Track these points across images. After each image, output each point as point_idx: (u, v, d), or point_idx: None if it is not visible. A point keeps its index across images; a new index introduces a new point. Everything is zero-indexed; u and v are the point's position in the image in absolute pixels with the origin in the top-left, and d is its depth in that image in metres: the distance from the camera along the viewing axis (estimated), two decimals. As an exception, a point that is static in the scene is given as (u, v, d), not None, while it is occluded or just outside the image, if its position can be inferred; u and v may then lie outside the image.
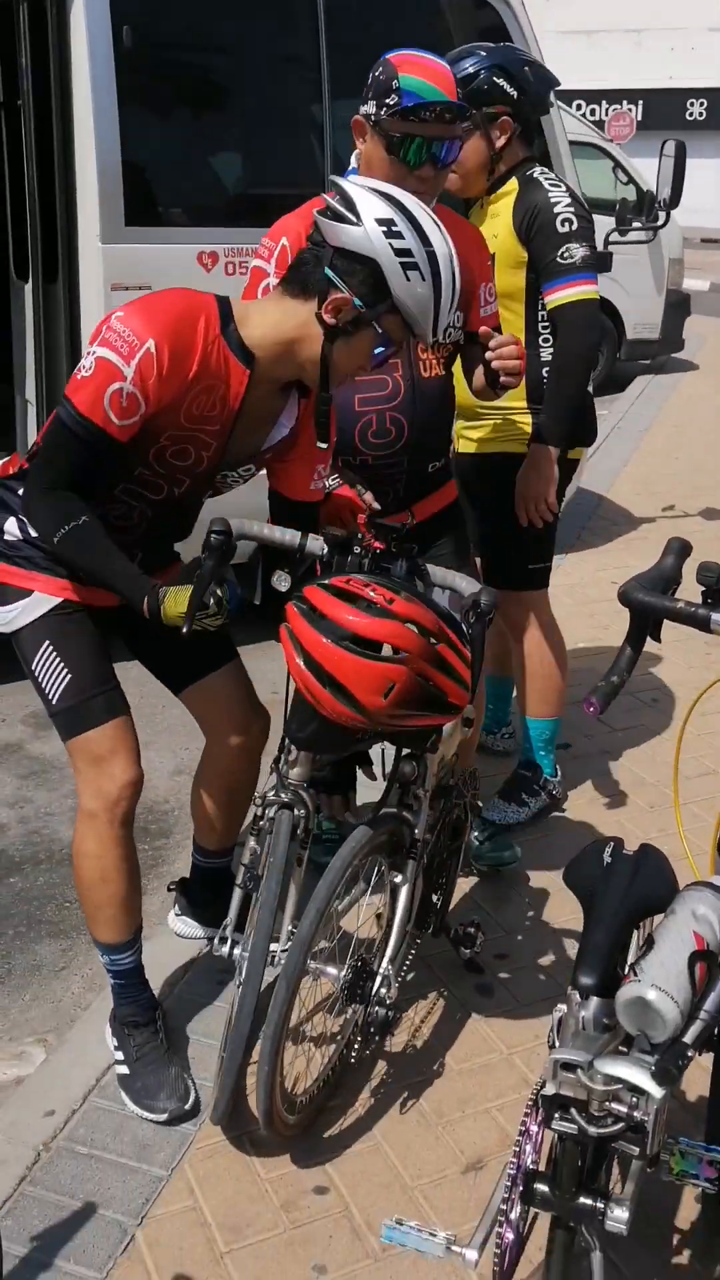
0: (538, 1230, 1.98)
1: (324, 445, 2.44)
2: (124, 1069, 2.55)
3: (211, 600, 2.22)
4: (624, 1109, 1.64)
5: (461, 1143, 2.49)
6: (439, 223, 2.27)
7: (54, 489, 2.28)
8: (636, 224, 6.42)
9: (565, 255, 3.16)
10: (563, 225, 3.18)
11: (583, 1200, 1.73)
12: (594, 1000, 1.71)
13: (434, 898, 2.84)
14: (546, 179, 3.23)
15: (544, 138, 5.03)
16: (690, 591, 1.92)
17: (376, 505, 2.71)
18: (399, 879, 2.56)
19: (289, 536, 2.40)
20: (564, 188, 3.23)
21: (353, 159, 2.77)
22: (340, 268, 2.24)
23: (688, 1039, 1.61)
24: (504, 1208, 1.81)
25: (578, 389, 3.28)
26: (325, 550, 2.38)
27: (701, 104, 26.00)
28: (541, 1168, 1.83)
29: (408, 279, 2.23)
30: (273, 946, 2.41)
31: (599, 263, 3.33)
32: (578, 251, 3.15)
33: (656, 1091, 1.60)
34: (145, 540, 2.53)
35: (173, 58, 4.40)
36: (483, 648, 2.30)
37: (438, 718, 2.26)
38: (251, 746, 2.76)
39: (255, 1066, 2.31)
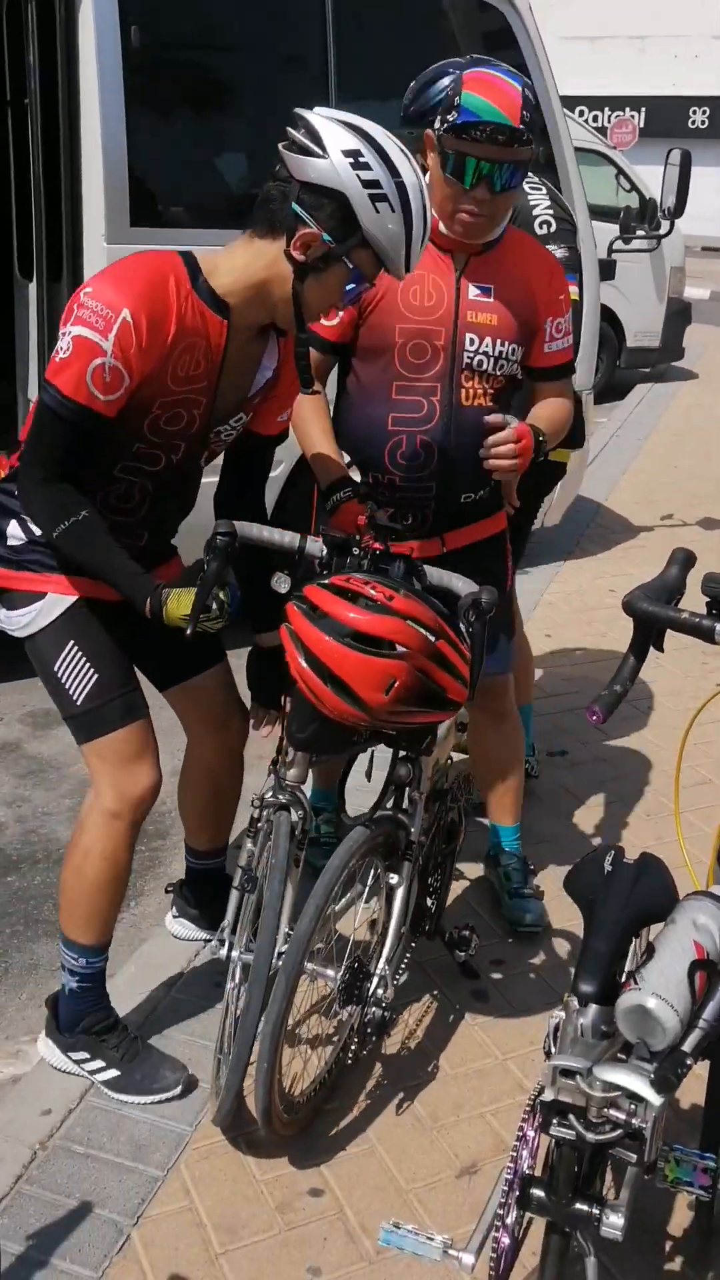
0: (532, 1235, 1.99)
1: (307, 390, 2.39)
2: (111, 1073, 2.54)
3: (214, 603, 2.22)
4: (622, 1116, 1.66)
5: (456, 1147, 2.50)
6: (408, 153, 2.22)
7: (50, 481, 2.25)
8: (640, 232, 6.43)
9: None
10: (541, 228, 3.20)
11: (578, 1206, 1.75)
12: (593, 1007, 1.72)
13: (428, 901, 2.84)
14: (526, 182, 3.23)
15: (549, 143, 5.04)
16: (693, 601, 1.93)
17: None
18: (394, 881, 2.57)
19: (288, 539, 2.40)
20: (544, 190, 3.26)
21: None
22: (307, 202, 2.18)
23: (687, 1047, 1.62)
24: (500, 1212, 1.82)
25: None
26: (324, 552, 2.39)
27: (704, 112, 26.03)
28: (538, 1173, 1.84)
29: (377, 211, 2.18)
30: (241, 953, 2.45)
31: (577, 264, 3.31)
32: (556, 253, 3.12)
33: (655, 1099, 1.61)
34: (150, 521, 2.49)
35: (180, 58, 4.41)
36: (483, 646, 2.30)
37: (437, 714, 2.27)
38: (234, 745, 2.77)
39: (253, 1067, 2.31)
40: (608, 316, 9.33)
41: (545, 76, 5.04)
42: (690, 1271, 2.25)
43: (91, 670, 2.41)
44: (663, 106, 25.94)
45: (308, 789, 2.58)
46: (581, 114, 24.14)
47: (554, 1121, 1.70)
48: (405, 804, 2.57)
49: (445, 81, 3.10)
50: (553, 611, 3.61)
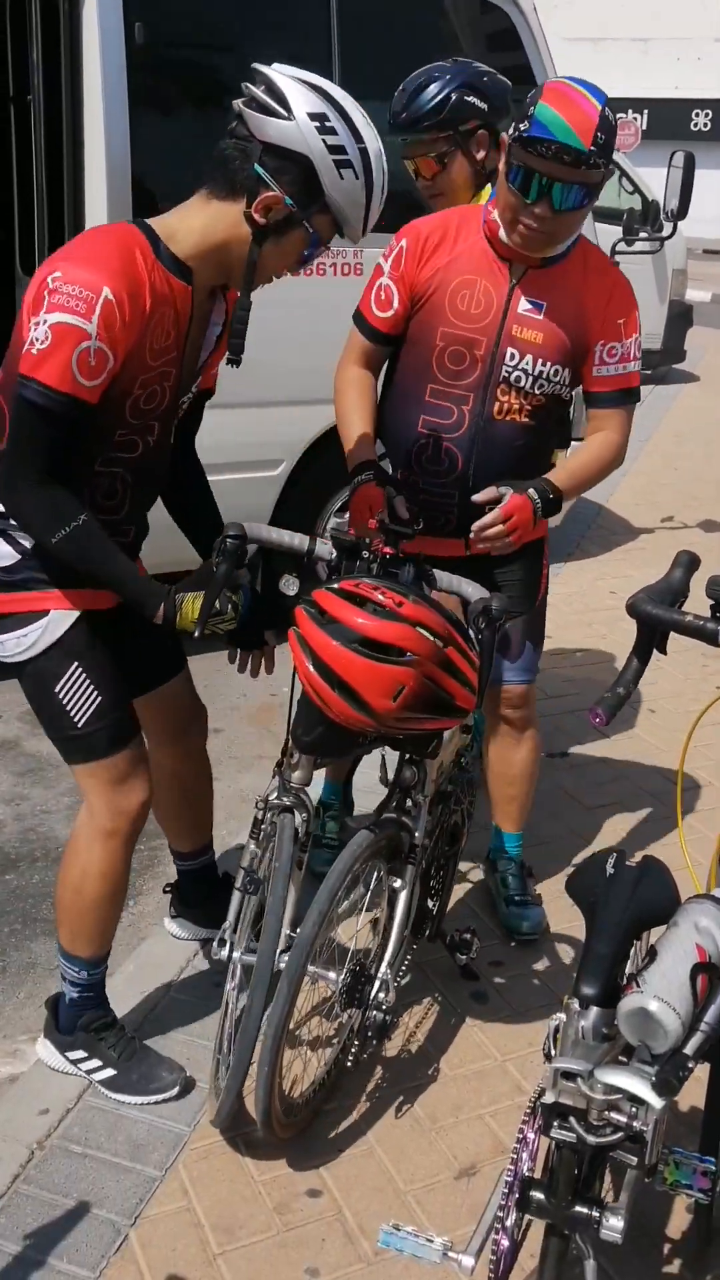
0: (531, 1237, 1.98)
1: (235, 359, 2.30)
2: (108, 1072, 2.53)
3: (229, 605, 2.20)
4: (623, 1119, 1.65)
5: (455, 1148, 2.49)
6: (367, 118, 2.19)
7: (43, 484, 2.14)
8: (643, 234, 6.43)
9: None
10: None
11: (578, 1208, 1.74)
12: (594, 1010, 1.72)
13: (430, 903, 2.84)
14: None
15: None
16: (697, 604, 1.93)
17: (404, 513, 2.58)
18: (398, 884, 2.56)
19: (297, 541, 2.39)
20: None
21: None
22: (270, 165, 2.13)
23: (688, 1050, 1.62)
24: (500, 1214, 1.81)
25: None
26: (333, 555, 2.38)
27: (706, 115, 26.07)
28: (538, 1175, 1.83)
29: (341, 177, 2.15)
30: (242, 955, 2.45)
31: None
32: None
33: (657, 1102, 1.61)
34: (133, 515, 2.42)
35: (184, 55, 4.39)
36: (492, 653, 2.28)
37: (444, 721, 2.26)
38: (198, 746, 2.77)
39: (253, 1068, 2.31)
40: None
41: (549, 78, 5.03)
42: (689, 1274, 2.24)
43: (95, 691, 2.33)
44: (665, 109, 25.97)
45: (315, 791, 2.57)
46: (584, 115, 24.06)
47: (554, 1124, 1.70)
48: (409, 807, 2.57)
49: (433, 89, 3.09)
50: (553, 613, 3.60)
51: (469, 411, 2.71)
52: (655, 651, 1.97)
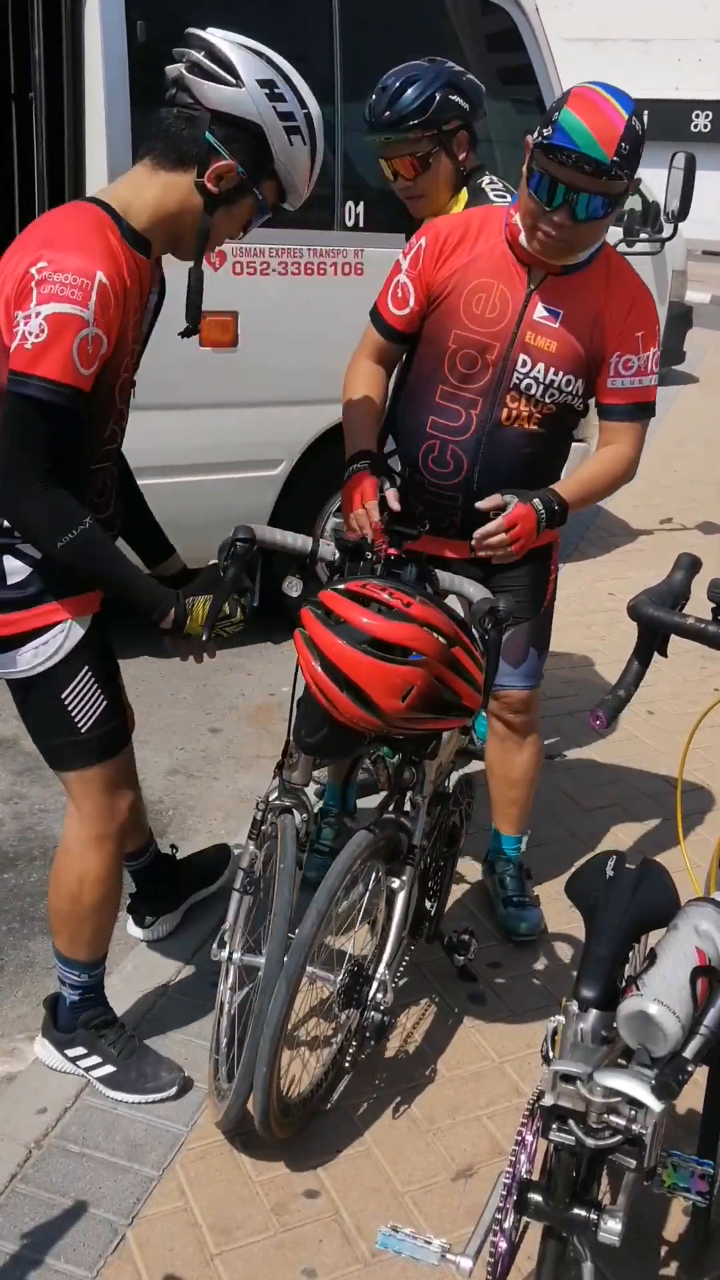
0: (528, 1239, 1.98)
1: (193, 329, 2.26)
2: (107, 1069, 2.53)
3: (238, 609, 2.20)
4: (622, 1122, 1.65)
5: (452, 1149, 2.49)
6: (303, 80, 2.19)
7: (48, 487, 2.08)
8: (644, 235, 6.42)
9: None
10: None
11: (576, 1211, 1.74)
12: (594, 1012, 1.72)
13: (428, 904, 2.84)
14: (493, 189, 3.17)
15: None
16: (699, 607, 1.93)
17: (396, 506, 2.53)
18: (396, 884, 2.56)
19: (301, 542, 2.39)
20: (510, 197, 3.24)
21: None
22: (220, 133, 2.11)
23: (688, 1054, 1.62)
24: (498, 1217, 1.81)
25: None
26: (336, 555, 2.37)
27: (706, 115, 26.06)
28: (536, 1178, 1.83)
29: (290, 143, 2.15)
30: (241, 955, 2.45)
31: None
32: None
33: (656, 1105, 1.61)
34: (117, 511, 2.39)
35: (186, 55, 4.39)
36: (498, 653, 2.26)
37: (450, 721, 2.26)
38: (132, 745, 2.77)
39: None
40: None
41: (551, 79, 5.04)
42: (686, 1277, 2.24)
43: (101, 695, 2.30)
44: (665, 109, 25.93)
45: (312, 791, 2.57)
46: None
47: (554, 1126, 1.70)
48: (408, 807, 2.56)
49: (417, 88, 3.05)
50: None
51: (476, 416, 2.69)
52: (657, 654, 1.97)
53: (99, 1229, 2.24)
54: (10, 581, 2.21)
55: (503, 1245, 1.83)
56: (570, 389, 2.68)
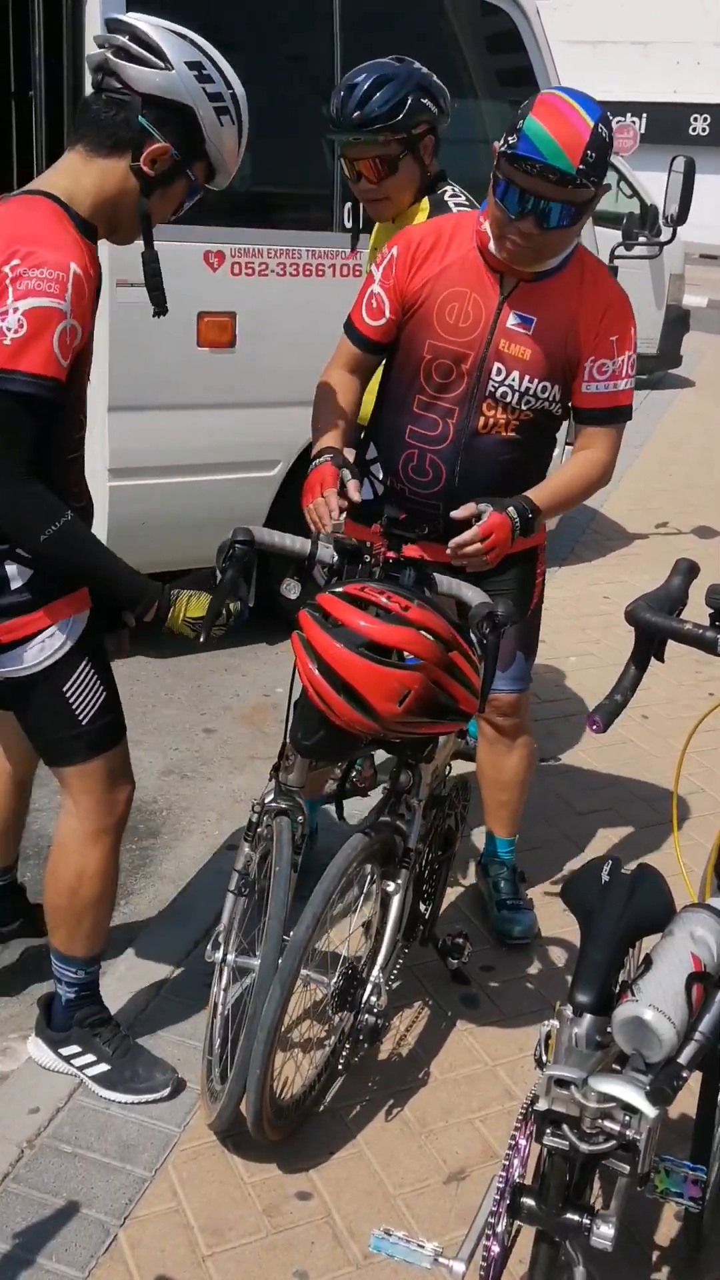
0: (521, 1243, 1.98)
1: (161, 310, 2.28)
2: (101, 1068, 2.53)
3: (230, 616, 2.20)
4: (616, 1127, 1.65)
5: (444, 1152, 2.49)
6: (226, 63, 2.20)
7: (28, 480, 2.08)
8: (642, 238, 6.43)
9: None
10: None
11: (569, 1216, 1.74)
12: (588, 1017, 1.72)
13: (422, 907, 2.84)
14: (454, 200, 3.10)
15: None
16: (696, 613, 1.93)
17: (356, 496, 2.50)
18: (391, 888, 2.56)
19: (299, 544, 2.39)
20: (479, 206, 3.21)
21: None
22: (152, 116, 2.13)
23: (682, 1059, 1.62)
24: (491, 1221, 1.81)
25: None
26: (334, 558, 2.37)
27: (705, 119, 26.06)
28: (529, 1182, 1.83)
29: (220, 123, 2.17)
30: (235, 957, 2.45)
31: None
32: None
33: (650, 1111, 1.61)
34: (89, 503, 2.39)
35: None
36: (496, 658, 2.25)
37: (447, 725, 2.26)
38: (27, 776, 2.82)
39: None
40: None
41: (551, 81, 5.04)
42: (677, 1282, 2.25)
43: (101, 687, 2.32)
44: (663, 113, 25.97)
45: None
46: (582, 118, 24.06)
47: (548, 1131, 1.70)
48: (403, 810, 2.56)
49: (389, 90, 2.96)
50: (547, 617, 3.59)
51: (454, 425, 2.68)
52: (654, 659, 1.97)
53: (91, 1229, 2.24)
54: (13, 587, 2.21)
55: (495, 1249, 1.83)
56: (547, 395, 2.67)
